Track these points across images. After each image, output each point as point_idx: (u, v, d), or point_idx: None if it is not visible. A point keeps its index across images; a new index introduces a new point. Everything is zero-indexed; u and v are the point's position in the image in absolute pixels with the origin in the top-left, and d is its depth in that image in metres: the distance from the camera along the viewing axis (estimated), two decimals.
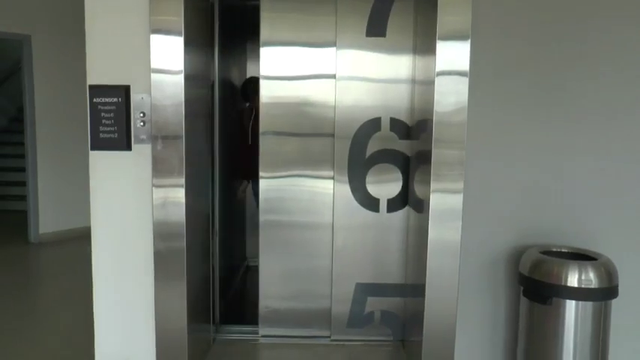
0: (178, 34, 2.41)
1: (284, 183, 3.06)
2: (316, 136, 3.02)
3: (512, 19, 2.77)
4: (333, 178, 3.01)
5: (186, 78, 2.45)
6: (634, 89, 2.80)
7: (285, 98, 3.01)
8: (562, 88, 2.80)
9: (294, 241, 3.10)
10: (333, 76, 2.95)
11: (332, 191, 3.01)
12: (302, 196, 3.06)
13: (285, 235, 3.10)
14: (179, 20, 2.40)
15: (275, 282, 3.12)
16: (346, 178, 2.99)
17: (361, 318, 3.07)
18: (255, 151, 4.01)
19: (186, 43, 2.43)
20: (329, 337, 3.11)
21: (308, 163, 3.04)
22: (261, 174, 3.05)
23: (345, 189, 3.00)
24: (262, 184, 3.05)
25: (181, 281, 2.53)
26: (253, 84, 4.34)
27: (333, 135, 2.98)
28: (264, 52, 2.99)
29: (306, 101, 3.00)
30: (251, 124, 4.38)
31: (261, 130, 3.03)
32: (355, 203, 3.00)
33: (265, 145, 3.04)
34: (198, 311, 2.81)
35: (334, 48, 2.94)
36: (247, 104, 4.54)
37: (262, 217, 3.08)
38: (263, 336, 3.13)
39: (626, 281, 2.65)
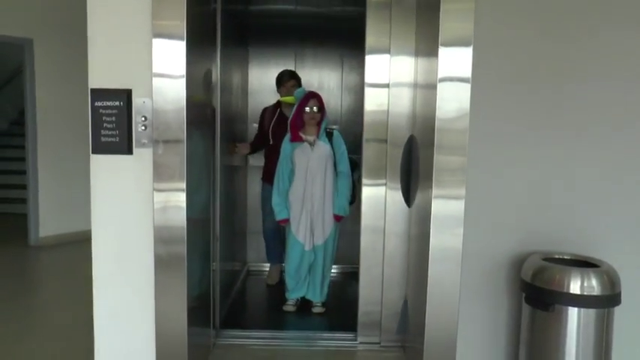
0: (180, 38, 2.40)
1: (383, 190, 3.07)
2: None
3: (515, 26, 2.77)
4: (385, 184, 3.04)
5: (188, 82, 2.45)
6: (636, 96, 2.80)
7: (385, 106, 3.02)
8: (564, 95, 2.79)
9: None
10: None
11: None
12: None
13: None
14: (181, 24, 2.40)
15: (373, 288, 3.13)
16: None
17: None
18: (277, 153, 3.96)
19: (188, 48, 2.43)
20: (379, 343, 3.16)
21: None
22: (364, 181, 3.07)
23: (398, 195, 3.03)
24: (365, 191, 3.06)
25: (182, 286, 2.52)
26: (285, 75, 4.26)
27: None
28: (370, 59, 3.00)
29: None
30: (272, 124, 4.25)
31: (365, 136, 3.04)
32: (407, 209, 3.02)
33: (368, 152, 3.04)
34: (199, 316, 2.80)
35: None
36: (271, 105, 4.40)
37: (364, 223, 3.09)
38: (361, 342, 3.15)
39: (629, 289, 2.64)
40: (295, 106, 3.75)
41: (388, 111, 3.00)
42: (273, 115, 4.27)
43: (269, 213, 4.03)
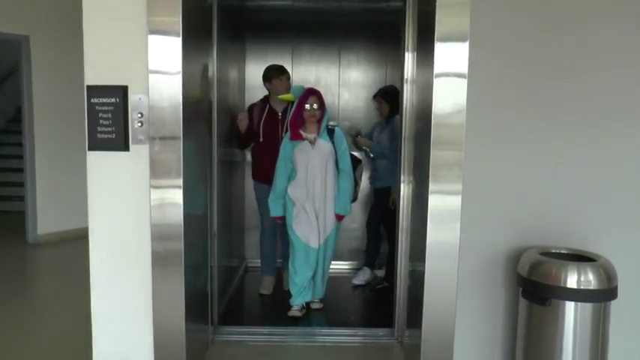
0: (176, 34, 2.40)
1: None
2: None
3: (511, 21, 2.77)
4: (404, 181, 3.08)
5: (184, 79, 2.44)
6: (633, 91, 2.80)
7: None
8: (561, 89, 2.79)
9: None
10: None
11: None
12: None
13: None
14: (177, 21, 2.40)
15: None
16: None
17: None
18: (268, 150, 3.91)
19: (184, 44, 2.42)
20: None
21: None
22: (403, 178, 3.08)
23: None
24: (405, 189, 3.08)
25: (179, 282, 2.52)
26: (274, 69, 4.07)
27: None
28: (409, 56, 3.00)
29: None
30: (263, 120, 4.05)
31: (404, 134, 3.03)
32: None
33: (408, 150, 3.04)
34: (196, 312, 2.80)
35: None
36: (258, 101, 4.20)
37: (405, 223, 3.10)
38: (404, 339, 3.15)
39: (626, 283, 2.65)
40: (295, 104, 3.68)
41: (406, 107, 3.01)
42: (262, 110, 4.08)
43: (266, 212, 3.93)
